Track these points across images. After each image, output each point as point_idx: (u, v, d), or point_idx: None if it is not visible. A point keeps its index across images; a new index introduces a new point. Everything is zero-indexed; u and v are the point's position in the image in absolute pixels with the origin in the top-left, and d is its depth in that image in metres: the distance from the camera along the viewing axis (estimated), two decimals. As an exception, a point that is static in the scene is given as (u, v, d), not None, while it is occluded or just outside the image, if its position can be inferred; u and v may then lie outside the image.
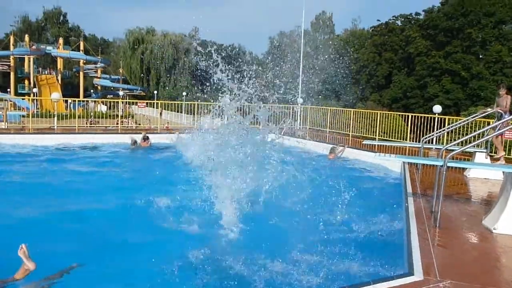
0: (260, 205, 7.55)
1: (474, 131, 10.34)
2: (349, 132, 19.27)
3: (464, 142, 7.27)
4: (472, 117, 10.78)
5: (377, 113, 18.76)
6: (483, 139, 8.17)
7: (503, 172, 6.73)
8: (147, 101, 27.48)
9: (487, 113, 10.86)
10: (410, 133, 17.70)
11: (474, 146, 10.12)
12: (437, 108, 16.18)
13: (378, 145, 13.56)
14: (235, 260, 5.37)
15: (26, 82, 60.45)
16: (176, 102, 25.33)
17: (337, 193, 7.76)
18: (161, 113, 21.61)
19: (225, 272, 5.11)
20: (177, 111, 29.53)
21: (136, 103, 23.71)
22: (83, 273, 5.06)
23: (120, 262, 5.45)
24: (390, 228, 6.82)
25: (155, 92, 58.66)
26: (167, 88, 63.65)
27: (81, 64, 61.08)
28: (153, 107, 29.39)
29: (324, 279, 4.62)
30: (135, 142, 15.42)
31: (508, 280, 4.69)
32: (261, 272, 5.05)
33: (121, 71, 68.50)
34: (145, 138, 15.75)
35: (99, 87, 65.61)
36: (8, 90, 57.39)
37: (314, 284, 4.25)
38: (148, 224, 6.82)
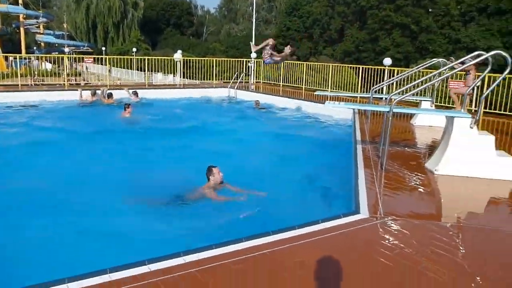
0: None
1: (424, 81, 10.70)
2: (302, 85, 19.45)
3: (407, 90, 7.52)
4: (417, 68, 11.16)
5: (329, 66, 18.99)
6: (424, 86, 8.50)
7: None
8: (94, 56, 26.37)
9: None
10: (361, 86, 18.11)
11: (417, 94, 10.57)
12: (387, 61, 16.54)
13: (330, 96, 13.83)
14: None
15: (-39, 40, 56.36)
16: (125, 57, 24.51)
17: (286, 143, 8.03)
18: (109, 70, 20.86)
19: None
20: (128, 68, 28.57)
21: (83, 59, 22.74)
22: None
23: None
24: (340, 173, 7.09)
25: (103, 48, 56.32)
26: (115, 43, 61.17)
27: (21, 19, 57.16)
28: (102, 64, 28.30)
29: (278, 220, 4.80)
30: (95, 93, 15.51)
31: (446, 214, 5.05)
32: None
33: (65, 26, 64.94)
34: (109, 95, 15.51)
35: (42, 44, 62.09)
36: None
37: (272, 223, 4.43)
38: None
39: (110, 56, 24.13)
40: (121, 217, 5.33)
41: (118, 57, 26.24)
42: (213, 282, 3.13)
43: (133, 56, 29.21)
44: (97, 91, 15.85)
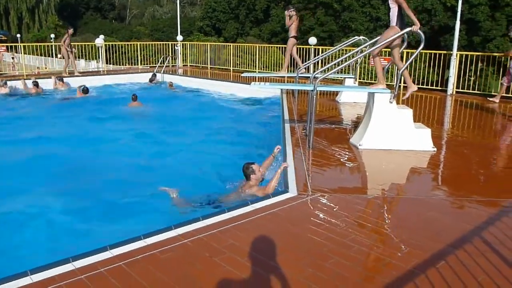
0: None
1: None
2: (230, 67, 19.36)
3: (330, 68, 7.69)
4: (339, 46, 11.46)
5: (256, 46, 19.02)
6: (347, 63, 8.77)
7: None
8: (8, 44, 24.54)
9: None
10: (288, 65, 18.29)
11: (339, 72, 10.89)
12: (313, 40, 16.80)
13: (258, 77, 13.87)
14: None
15: None
16: (42, 44, 23.08)
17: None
18: (13, 58, 19.51)
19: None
20: (47, 56, 26.87)
21: (-5, 47, 21.09)
22: None
23: None
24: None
25: (18, 35, 52.64)
26: (31, 30, 57.35)
27: None
28: (18, 53, 26.40)
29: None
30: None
31: (371, 187, 5.26)
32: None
33: (-27, 13, 59.88)
34: (35, 84, 14.90)
35: None
36: None
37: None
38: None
39: (25, 44, 22.56)
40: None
41: (34, 44, 24.56)
42: (140, 274, 3.04)
43: (52, 42, 27.54)
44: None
